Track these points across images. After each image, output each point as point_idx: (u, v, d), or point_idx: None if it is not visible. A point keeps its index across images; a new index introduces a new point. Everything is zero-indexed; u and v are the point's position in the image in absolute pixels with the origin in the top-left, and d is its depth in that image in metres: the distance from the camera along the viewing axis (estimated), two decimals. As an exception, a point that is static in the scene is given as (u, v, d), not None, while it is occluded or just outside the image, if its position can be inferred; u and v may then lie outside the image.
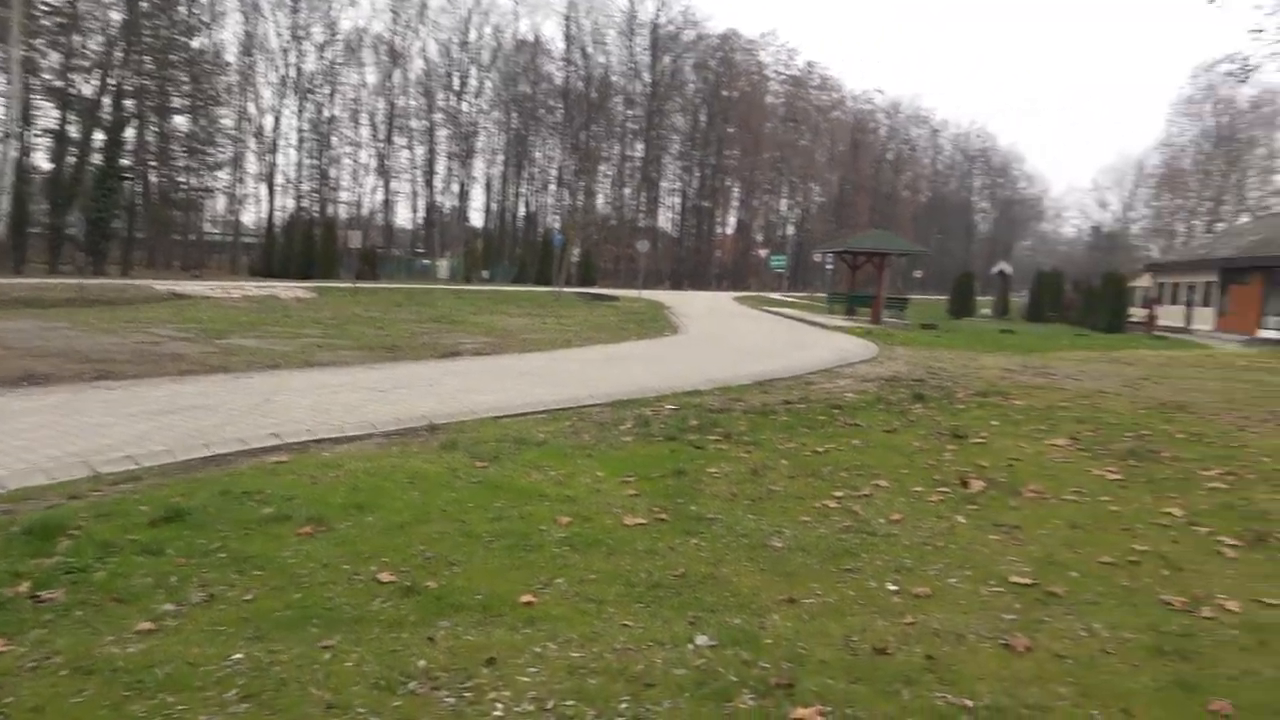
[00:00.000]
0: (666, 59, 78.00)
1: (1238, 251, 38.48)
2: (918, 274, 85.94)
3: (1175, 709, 3.09)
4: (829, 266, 41.58)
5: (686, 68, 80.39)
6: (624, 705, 2.96)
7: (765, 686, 3.11)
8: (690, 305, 36.88)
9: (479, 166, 75.55)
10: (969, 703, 3.05)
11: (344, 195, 70.02)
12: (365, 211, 71.39)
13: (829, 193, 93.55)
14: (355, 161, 69.42)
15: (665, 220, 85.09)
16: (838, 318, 31.32)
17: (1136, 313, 40.95)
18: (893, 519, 5.40)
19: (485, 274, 61.31)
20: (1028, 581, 4.36)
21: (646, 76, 77.90)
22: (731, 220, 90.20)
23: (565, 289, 41.51)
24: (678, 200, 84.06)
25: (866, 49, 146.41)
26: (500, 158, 76.20)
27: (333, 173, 67.09)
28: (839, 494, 5.94)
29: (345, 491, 5.36)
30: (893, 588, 4.21)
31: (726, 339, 20.19)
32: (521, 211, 79.66)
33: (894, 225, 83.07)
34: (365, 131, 69.00)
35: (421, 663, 3.19)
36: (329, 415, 7.81)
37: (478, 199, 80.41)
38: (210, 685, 2.96)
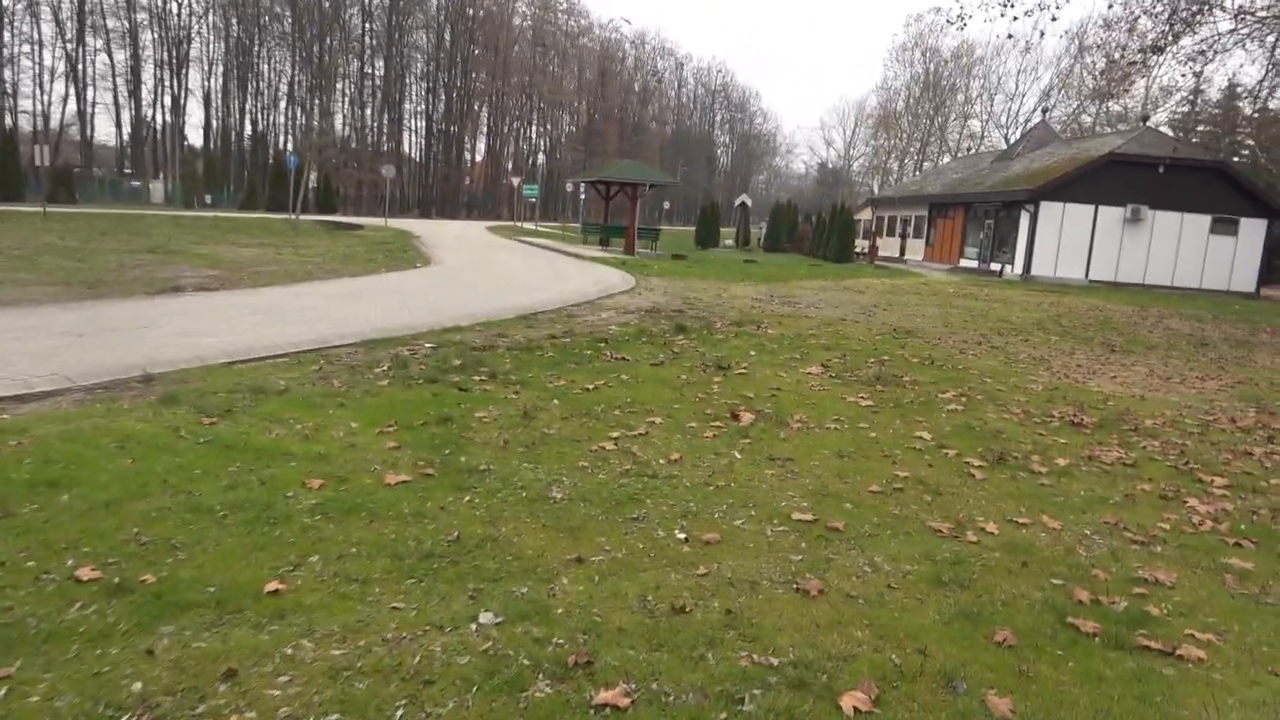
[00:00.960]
0: (407, -30, 73.45)
1: (943, 189, 42.69)
2: (666, 205, 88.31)
3: (964, 643, 3.12)
4: (583, 196, 41.46)
5: (429, -19, 76.20)
6: (400, 712, 2.51)
7: (562, 668, 2.77)
8: (442, 235, 35.43)
9: (195, 78, 67.85)
10: (774, 660, 2.90)
11: (25, 104, 60.29)
12: (55, 124, 61.99)
13: (578, 122, 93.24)
14: (38, 64, 59.81)
15: (411, 145, 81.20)
16: (593, 248, 31.33)
17: (861, 244, 44.43)
18: (672, 459, 5.24)
19: (208, 199, 55.56)
20: (809, 518, 4.34)
21: (386, -12, 73.05)
22: (481, 147, 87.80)
23: (303, 216, 38.44)
24: (423, 124, 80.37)
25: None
26: (220, 69, 68.79)
27: (7, 75, 57.43)
28: (615, 435, 5.70)
29: (33, 465, 4.37)
30: (681, 536, 4.02)
31: (484, 270, 19.47)
32: (249, 130, 72.69)
33: (642, 156, 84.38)
34: (48, 29, 59.55)
35: (137, 686, 2.55)
36: (10, 367, 6.47)
37: (196, 115, 72.59)
38: None
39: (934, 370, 9.28)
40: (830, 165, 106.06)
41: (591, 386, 7.16)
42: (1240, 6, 17.87)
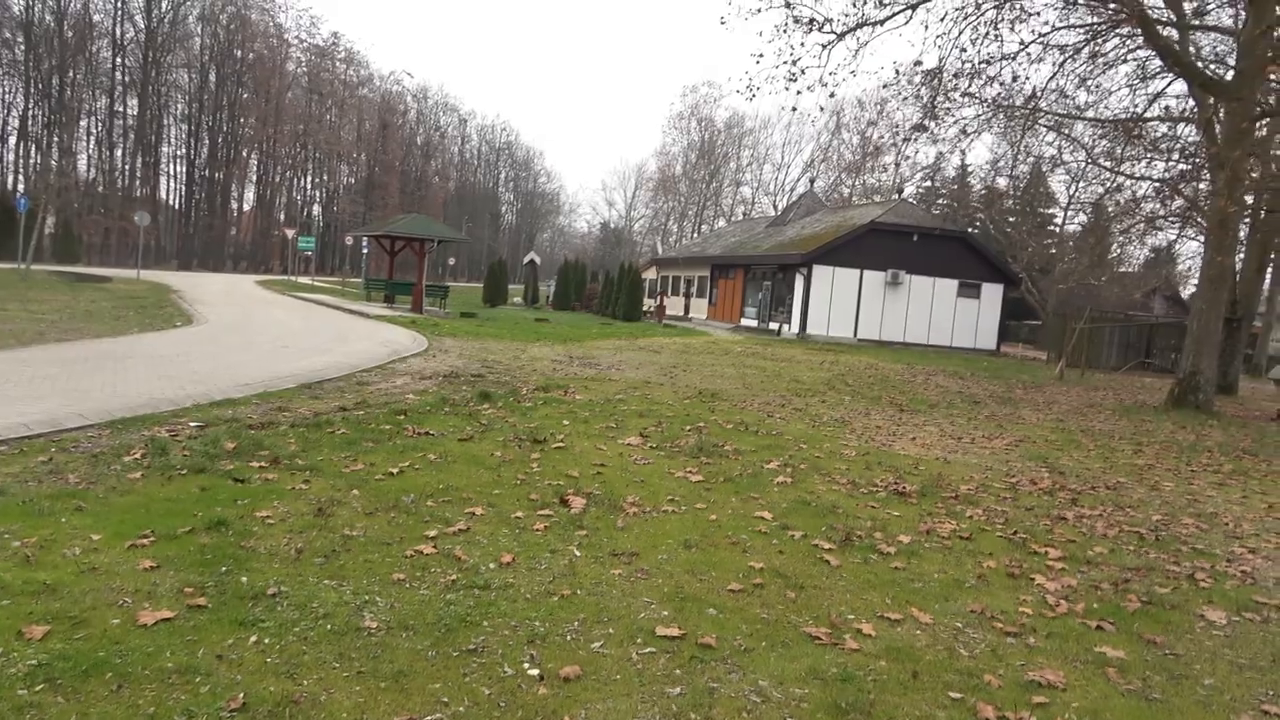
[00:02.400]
0: (165, 4, 68.16)
1: (723, 251, 44.55)
2: (451, 261, 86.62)
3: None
4: (364, 250, 39.49)
5: (190, 18, 71.11)
6: None
7: None
8: (206, 289, 32.38)
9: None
10: None
11: None
12: None
13: (358, 173, 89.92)
14: None
15: (169, 191, 74.73)
16: (377, 305, 29.70)
17: (648, 303, 45.32)
18: (504, 561, 4.52)
19: (-86, 244, 48.06)
20: (675, 632, 3.77)
21: (140, 21, 67.31)
22: (250, 196, 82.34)
23: (36, 266, 33.93)
24: (184, 169, 74.23)
25: (392, 27, 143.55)
26: (-69, 97, 60.33)
27: None
28: (432, 534, 4.90)
29: None
30: (533, 672, 3.31)
31: (257, 330, 17.64)
32: (-33, 168, 64.04)
33: (425, 211, 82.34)
34: None
35: None
36: None
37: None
38: None
39: (751, 437, 9.09)
40: (612, 225, 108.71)
41: (395, 470, 6.28)
42: (989, 95, 19.76)
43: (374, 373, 11.99)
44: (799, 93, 15.51)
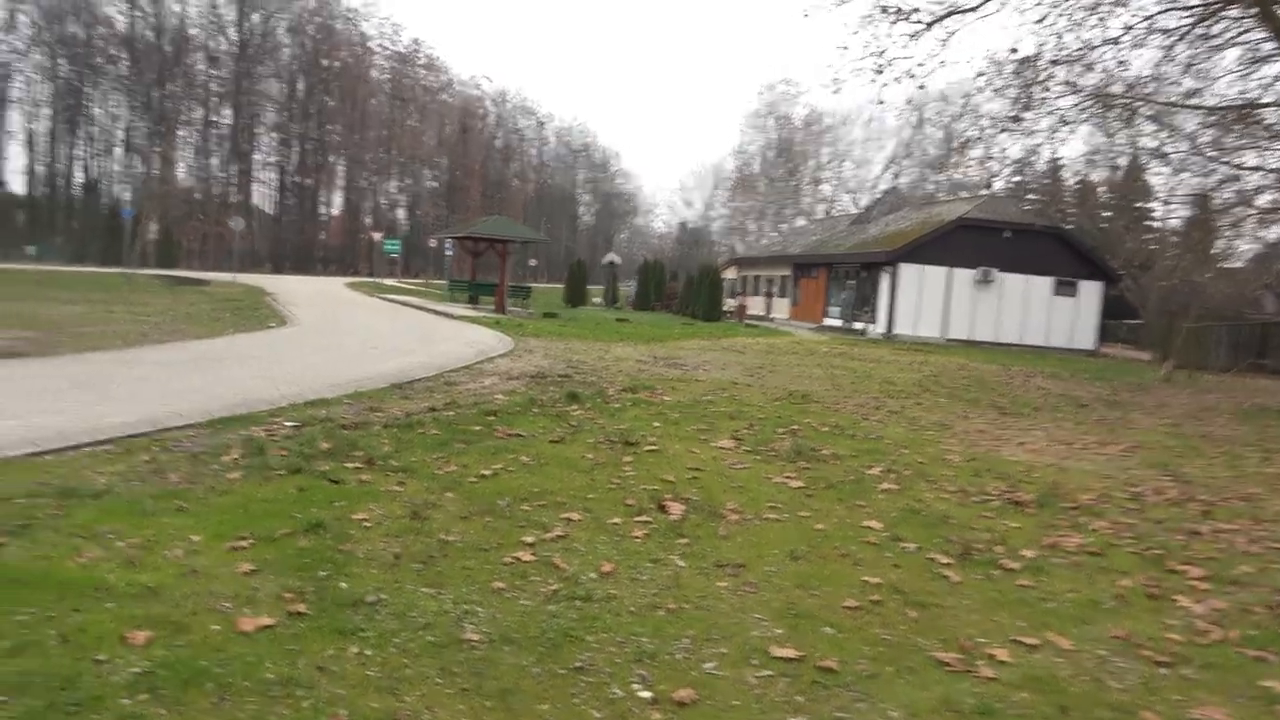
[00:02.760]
0: (255, 17, 70.59)
1: (805, 249, 43.80)
2: (533, 262, 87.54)
3: None
4: (449, 252, 40.11)
5: (280, 30, 73.49)
6: None
7: None
8: (297, 291, 33.30)
9: (16, 119, 62.47)
10: None
11: None
12: None
13: (440, 178, 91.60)
14: None
15: (262, 197, 77.37)
16: (461, 306, 30.07)
17: (729, 303, 44.89)
18: (604, 571, 4.32)
19: (30, 250, 50.80)
20: (792, 653, 3.51)
21: (233, 34, 69.87)
22: (338, 201, 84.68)
23: (140, 271, 35.43)
24: (275, 176, 76.81)
25: (470, 32, 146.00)
26: (46, 111, 63.67)
27: None
28: (529, 539, 4.74)
29: None
30: (645, 694, 3.10)
31: (346, 331, 17.96)
32: (80, 178, 67.41)
33: (505, 213, 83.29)
34: None
35: None
36: None
37: (18, 159, 66.63)
38: None
39: (848, 441, 8.73)
40: (690, 225, 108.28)
41: (488, 472, 6.15)
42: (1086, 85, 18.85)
43: (462, 373, 12.00)
44: (885, 85, 14.99)
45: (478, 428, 7.80)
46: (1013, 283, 33.32)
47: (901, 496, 6.44)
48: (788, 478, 6.76)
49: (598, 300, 48.91)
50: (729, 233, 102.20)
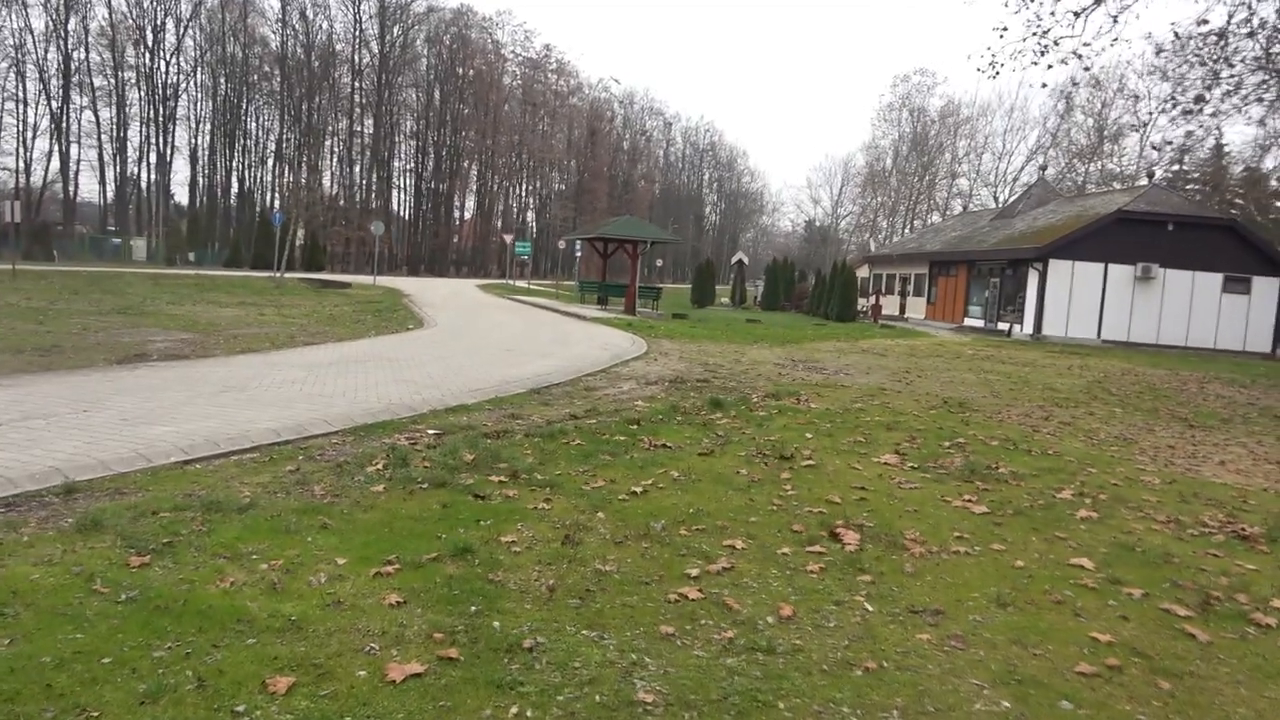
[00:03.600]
0: (396, 30, 73.23)
1: (943, 246, 41.80)
2: (659, 263, 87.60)
3: None
4: (578, 253, 40.33)
5: (418, 41, 76.03)
6: None
7: None
8: (432, 294, 34.11)
9: (182, 135, 66.87)
10: None
11: (7, 161, 59.02)
12: (37, 181, 60.70)
13: (568, 180, 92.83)
14: (21, 121, 58.67)
15: (399, 202, 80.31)
16: (591, 307, 30.04)
17: (863, 302, 43.40)
18: (784, 615, 3.78)
19: (191, 256, 54.23)
20: (1030, 735, 2.89)
21: (375, 47, 72.72)
22: (470, 204, 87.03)
23: (289, 274, 37.12)
24: (412, 181, 79.53)
25: (598, 35, 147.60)
26: (208, 127, 67.94)
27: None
28: (693, 572, 4.24)
29: None
30: (861, 785, 2.55)
31: (483, 333, 18.04)
32: (235, 188, 71.70)
33: (632, 214, 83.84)
34: (33, 86, 58.64)
35: None
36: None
37: (182, 172, 71.46)
38: None
39: (1024, 457, 7.88)
40: (817, 223, 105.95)
41: (638, 489, 5.71)
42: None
43: (599, 377, 11.67)
44: (1049, 67, 13.64)
45: (621, 438, 7.39)
46: (1176, 279, 30.79)
47: (1105, 527, 5.62)
48: (967, 501, 6.03)
49: (725, 300, 48.24)
50: (858, 230, 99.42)
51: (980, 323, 35.09)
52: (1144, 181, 36.99)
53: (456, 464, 5.97)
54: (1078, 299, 31.04)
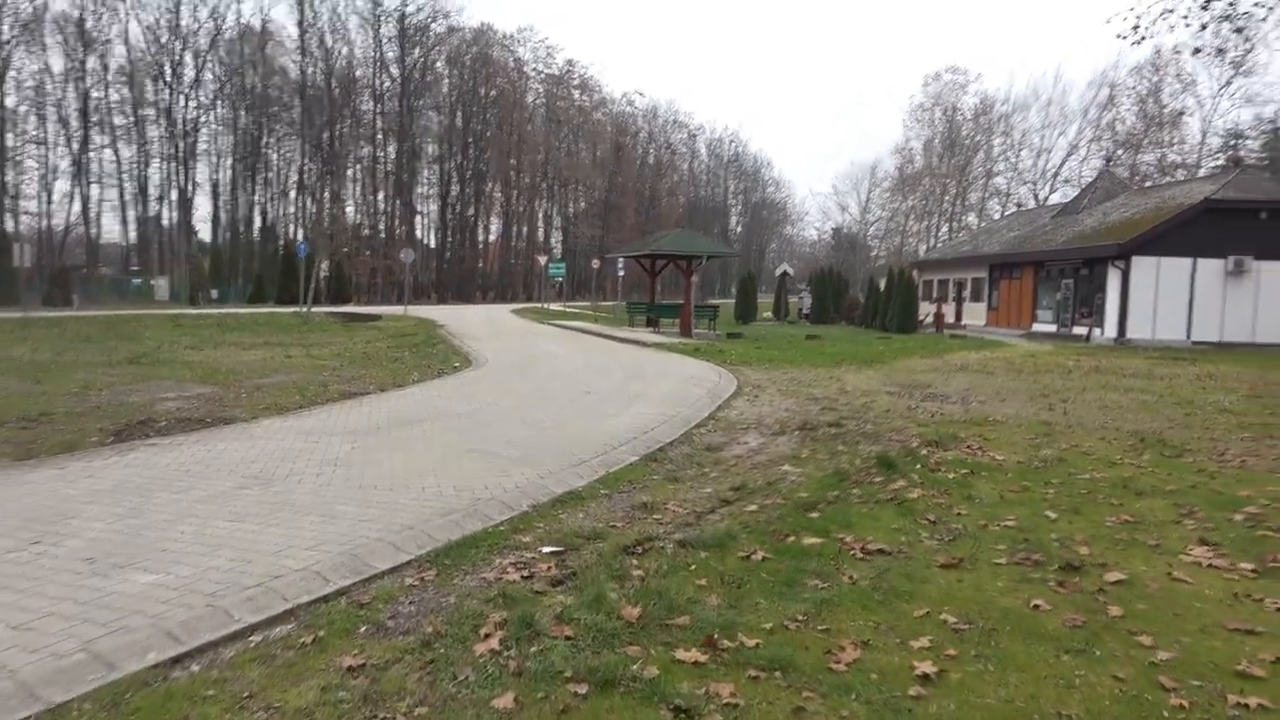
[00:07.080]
0: (416, 52, 71.75)
1: (1003, 247, 39.20)
2: (695, 278, 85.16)
3: None
4: (621, 272, 38.33)
5: (439, 63, 74.48)
6: None
7: None
8: (467, 321, 32.01)
9: (203, 171, 65.56)
10: None
11: (29, 205, 57.97)
12: (59, 224, 59.61)
13: (594, 196, 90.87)
14: (43, 164, 57.65)
15: (423, 229, 78.68)
16: (641, 330, 27.75)
17: (924, 310, 40.91)
18: None
19: (214, 294, 52.70)
20: None
21: (395, 71, 71.18)
22: (495, 226, 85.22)
23: (315, 309, 35.25)
24: (436, 206, 77.87)
25: (620, 49, 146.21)
26: (228, 161, 66.61)
27: (9, 177, 55.05)
28: None
29: None
30: None
31: (541, 371, 15.71)
32: (258, 222, 70.29)
33: (660, 229, 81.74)
34: (53, 128, 57.59)
35: None
36: None
37: (204, 208, 70.20)
38: None
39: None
40: (845, 230, 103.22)
41: (924, 670, 3.43)
42: None
43: (709, 427, 9.38)
44: (1203, 26, 11.29)
45: (812, 539, 5.11)
46: (1273, 272, 28.10)
47: None
48: None
49: (768, 315, 45.84)
50: (887, 235, 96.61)
51: (1052, 327, 32.46)
52: (1234, 167, 34.27)
53: (612, 626, 3.71)
54: (1164, 298, 28.47)
